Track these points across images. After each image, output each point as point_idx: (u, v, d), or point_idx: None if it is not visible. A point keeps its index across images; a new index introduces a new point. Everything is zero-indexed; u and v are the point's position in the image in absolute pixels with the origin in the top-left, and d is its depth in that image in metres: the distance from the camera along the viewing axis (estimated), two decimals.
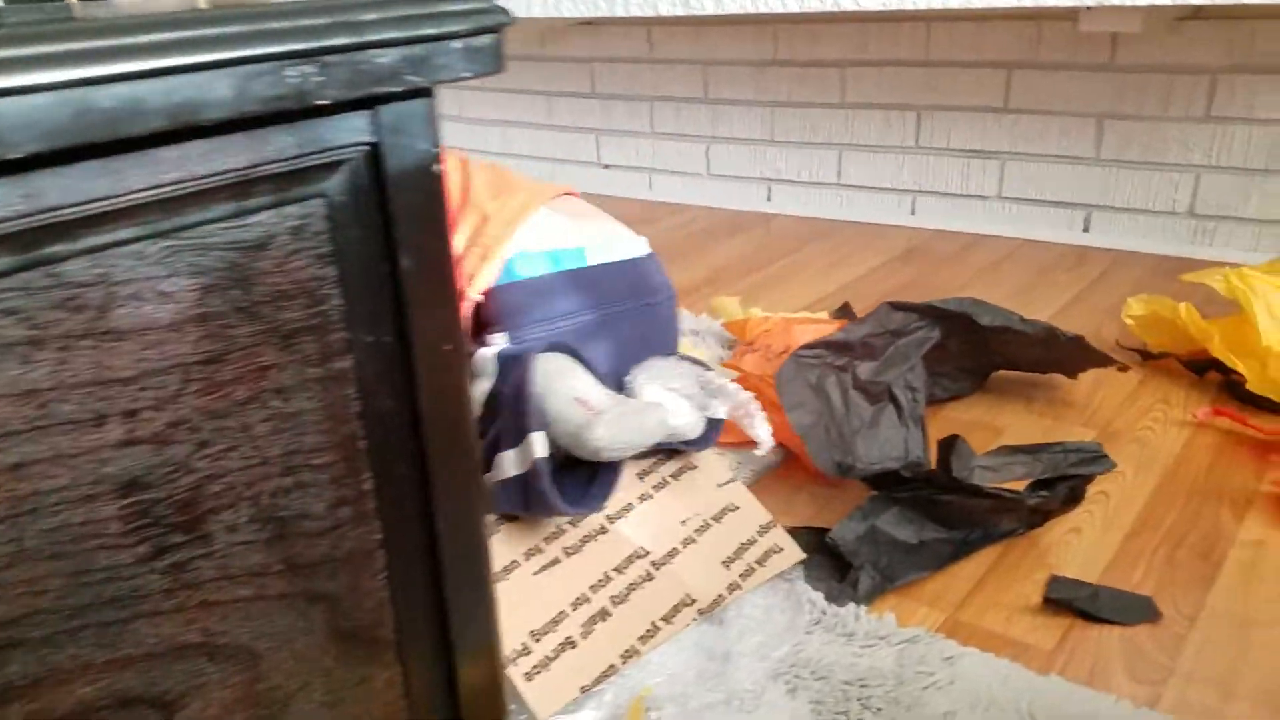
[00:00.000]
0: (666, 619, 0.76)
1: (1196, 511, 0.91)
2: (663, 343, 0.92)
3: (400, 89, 0.41)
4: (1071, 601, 0.79)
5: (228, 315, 0.41)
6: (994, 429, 1.07)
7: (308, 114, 0.40)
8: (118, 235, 0.36)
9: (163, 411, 0.40)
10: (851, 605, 0.78)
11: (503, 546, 0.74)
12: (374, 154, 0.43)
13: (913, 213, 1.85)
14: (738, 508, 0.87)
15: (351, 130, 0.42)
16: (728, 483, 0.89)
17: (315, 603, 0.48)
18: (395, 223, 0.44)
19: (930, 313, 1.02)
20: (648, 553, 0.80)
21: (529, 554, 0.75)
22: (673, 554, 0.81)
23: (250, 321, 0.42)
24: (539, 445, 0.73)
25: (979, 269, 1.59)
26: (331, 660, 0.50)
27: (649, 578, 0.78)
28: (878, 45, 1.79)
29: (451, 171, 0.89)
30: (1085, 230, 1.67)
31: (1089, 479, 0.84)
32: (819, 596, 0.79)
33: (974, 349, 1.09)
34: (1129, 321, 1.17)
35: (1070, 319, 1.37)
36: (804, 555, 0.85)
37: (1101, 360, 1.06)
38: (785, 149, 1.97)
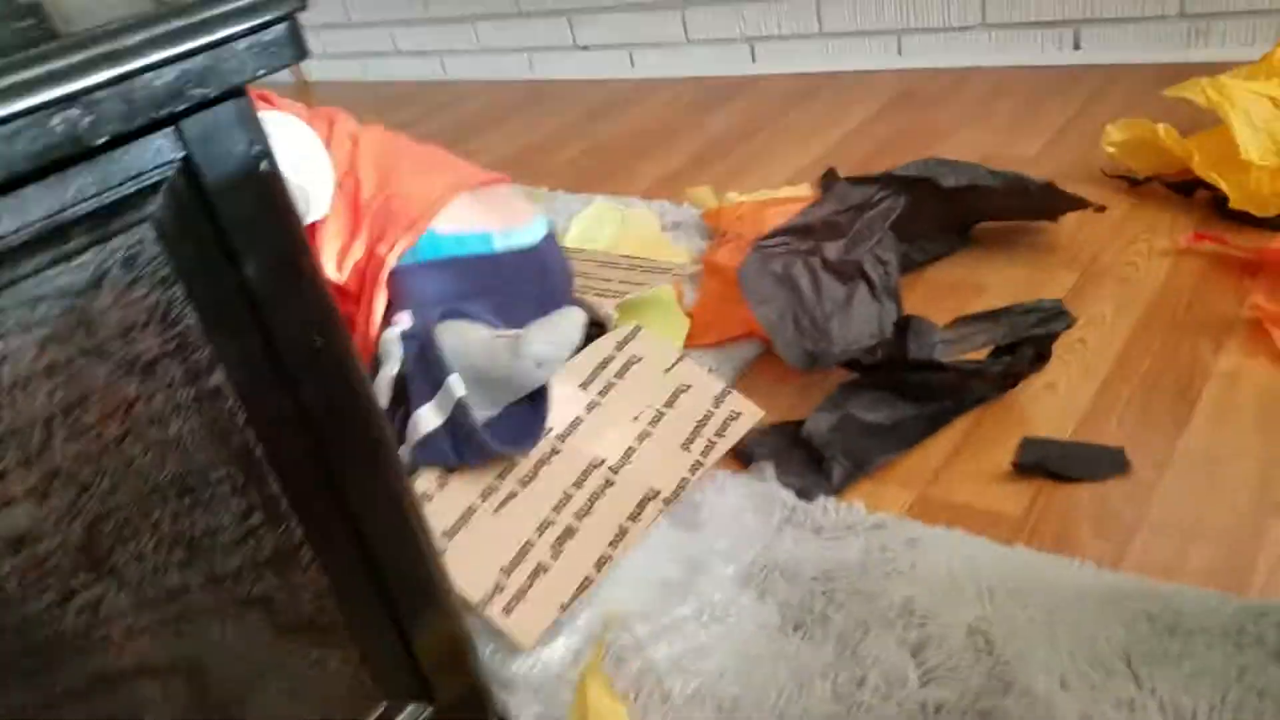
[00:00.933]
0: (633, 517, 0.77)
1: (1174, 348, 0.88)
2: None
3: (196, 101, 0.40)
4: (1042, 462, 0.78)
5: (76, 360, 0.41)
6: (975, 287, 1.05)
7: (101, 149, 0.39)
8: None
9: (33, 467, 0.41)
10: (821, 499, 0.79)
11: (457, 494, 0.76)
12: (188, 169, 0.42)
13: (899, 53, 1.76)
14: (689, 386, 0.87)
15: (157, 152, 0.41)
16: (675, 364, 0.89)
17: (249, 607, 0.50)
18: (228, 231, 0.43)
19: (891, 182, 0.99)
20: (604, 460, 0.81)
21: (485, 494, 0.77)
22: (629, 453, 0.82)
23: (102, 360, 0.42)
24: (457, 386, 0.74)
25: (969, 106, 1.52)
26: (283, 654, 0.52)
27: (609, 484, 0.79)
28: None
29: (340, 142, 0.88)
30: (1076, 48, 1.57)
31: (1053, 337, 0.82)
32: (790, 495, 0.79)
33: (947, 208, 1.06)
34: (1110, 149, 1.12)
35: (1062, 148, 1.31)
36: (762, 414, 0.85)
37: (1075, 203, 1.02)
38: (764, 3, 1.87)
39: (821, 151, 1.49)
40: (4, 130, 0.34)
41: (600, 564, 0.74)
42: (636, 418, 0.84)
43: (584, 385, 0.86)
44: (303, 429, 0.49)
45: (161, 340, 0.44)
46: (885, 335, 0.95)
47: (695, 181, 1.48)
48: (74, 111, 0.36)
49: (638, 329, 0.91)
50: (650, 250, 1.21)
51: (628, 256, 1.08)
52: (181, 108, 0.39)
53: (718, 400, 0.85)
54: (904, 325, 0.85)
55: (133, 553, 0.45)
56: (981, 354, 0.87)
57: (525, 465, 0.79)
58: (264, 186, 0.44)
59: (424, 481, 0.76)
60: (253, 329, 0.46)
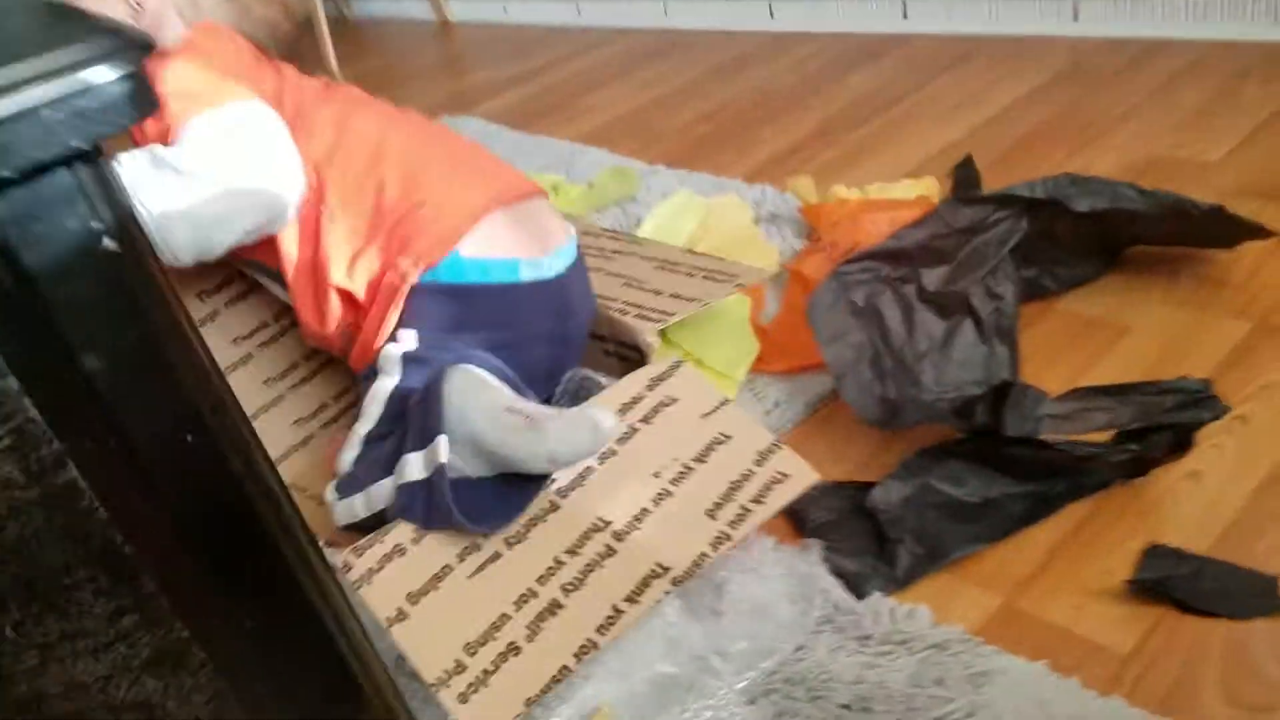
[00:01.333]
0: (631, 599, 0.64)
1: None
2: (571, 363, 0.82)
3: (31, 162, 0.32)
4: (1166, 583, 0.63)
5: None
6: (1117, 328, 0.87)
7: None
8: None
9: None
10: (876, 596, 0.66)
11: (433, 551, 0.66)
12: (6, 252, 0.34)
13: (1075, 18, 1.52)
14: (729, 438, 0.73)
15: None
16: (716, 409, 0.75)
17: (125, 711, 0.44)
18: (60, 320, 0.35)
19: (1009, 202, 0.82)
20: (609, 523, 0.68)
21: (464, 554, 0.67)
22: (641, 517, 0.69)
23: None
24: (443, 449, 0.65)
25: (1147, 89, 1.29)
26: None
27: (610, 552, 0.67)
28: None
29: (321, 130, 0.78)
30: None
31: (1196, 427, 0.65)
32: (837, 585, 0.67)
33: (1091, 229, 0.88)
34: None
35: (1256, 153, 1.08)
36: (816, 478, 0.71)
37: (1256, 231, 0.82)
38: None
39: (961, 134, 1.30)
40: None
41: (582, 653, 0.63)
42: (658, 474, 0.71)
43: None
44: (181, 525, 0.42)
45: None
46: (992, 381, 0.80)
47: (813, 159, 1.34)
48: None
49: (678, 364, 0.78)
50: (736, 247, 1.08)
51: (697, 254, 0.95)
52: None
53: (762, 457, 0.72)
54: (1003, 392, 0.70)
55: None
56: (1101, 435, 0.71)
57: (516, 522, 0.69)
58: (108, 267, 0.36)
59: (399, 534, 0.67)
60: (105, 426, 0.38)
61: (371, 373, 0.74)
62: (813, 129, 1.45)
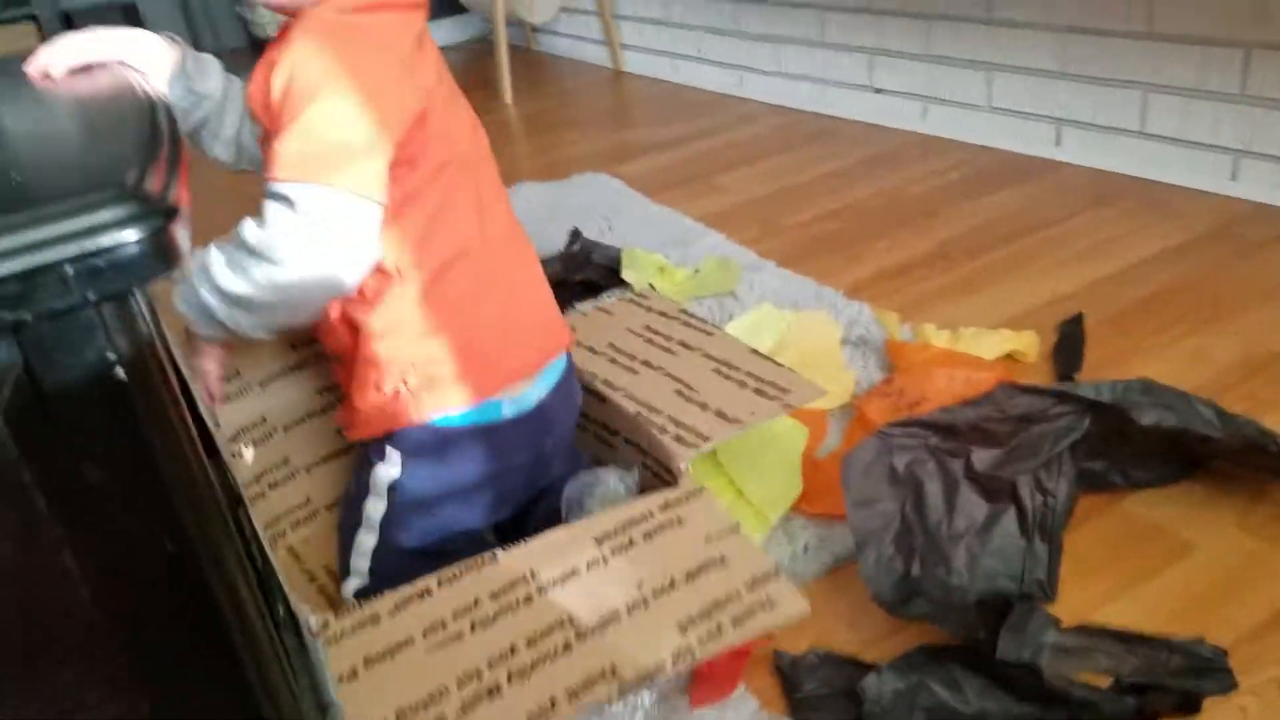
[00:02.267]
0: (572, 693, 0.64)
1: None
2: (552, 470, 0.83)
3: (49, 307, 0.37)
4: None
5: None
6: (1179, 545, 0.82)
7: None
8: None
9: None
10: None
11: (403, 623, 0.68)
12: (28, 371, 0.39)
13: (1233, 178, 1.45)
14: (725, 562, 0.72)
15: None
16: (723, 534, 0.74)
17: None
18: (69, 434, 0.40)
19: (1070, 399, 0.79)
20: (574, 621, 0.68)
21: (429, 630, 0.68)
22: (610, 620, 0.68)
23: None
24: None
25: None
26: None
27: (566, 648, 0.67)
28: None
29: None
30: None
31: (1199, 696, 0.61)
32: None
33: (1164, 436, 0.84)
34: None
35: None
36: (804, 609, 0.68)
37: None
38: (1078, 85, 1.62)
39: (1080, 285, 1.26)
40: None
41: None
42: (640, 584, 0.70)
43: (599, 539, 0.75)
44: (151, 614, 0.46)
45: (2, 523, 0.42)
46: (1027, 579, 0.78)
47: (921, 282, 1.32)
48: None
49: (698, 491, 0.78)
50: (814, 367, 1.07)
51: (760, 357, 0.92)
52: (13, 318, 0.36)
53: (754, 583, 0.70)
54: (1003, 610, 0.67)
55: None
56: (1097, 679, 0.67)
57: (488, 607, 0.70)
58: (116, 393, 0.40)
59: (380, 605, 0.70)
60: (99, 522, 0.43)
61: (366, 462, 0.78)
62: (931, 248, 1.43)
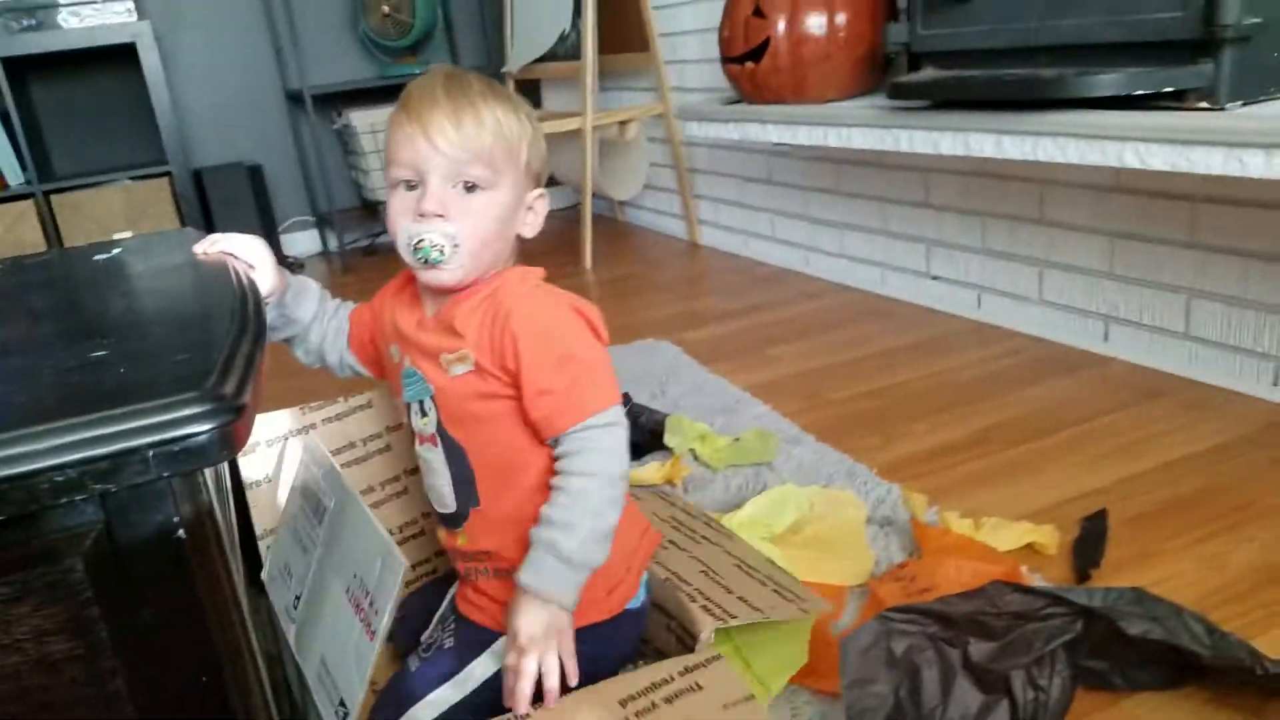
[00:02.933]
0: None
1: None
2: None
3: (131, 483, 0.47)
4: None
5: None
6: None
7: (37, 513, 0.47)
8: None
9: None
10: None
11: None
12: (108, 528, 0.49)
13: (1275, 383, 1.47)
14: None
15: (82, 514, 0.48)
16: (739, 702, 0.79)
17: None
18: (134, 580, 0.50)
19: (1058, 601, 0.83)
20: None
21: None
22: None
23: (10, 654, 0.50)
24: None
25: None
26: None
27: None
28: (1239, 182, 1.46)
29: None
30: None
31: None
32: None
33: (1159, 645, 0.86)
34: None
35: None
36: None
37: None
38: (1126, 286, 1.68)
39: (1117, 478, 1.28)
40: None
41: None
42: None
43: (623, 702, 0.81)
44: None
45: (71, 646, 0.51)
46: None
47: (955, 467, 1.36)
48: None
49: (716, 658, 0.84)
50: (836, 543, 1.13)
51: (775, 567, 0.99)
52: (101, 489, 0.46)
53: None
54: None
55: None
56: None
57: None
58: (173, 551, 0.50)
59: None
60: (149, 655, 0.52)
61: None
62: (970, 433, 1.47)
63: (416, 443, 0.89)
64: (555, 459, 0.80)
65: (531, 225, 0.88)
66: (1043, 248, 1.82)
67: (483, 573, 0.88)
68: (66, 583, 0.50)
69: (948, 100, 1.51)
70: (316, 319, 0.97)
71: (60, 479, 0.45)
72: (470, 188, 0.82)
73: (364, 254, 3.27)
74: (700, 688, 0.82)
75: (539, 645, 0.77)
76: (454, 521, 0.88)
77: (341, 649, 0.76)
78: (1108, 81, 1.22)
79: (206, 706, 0.54)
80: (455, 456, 0.85)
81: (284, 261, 3.13)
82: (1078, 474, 1.32)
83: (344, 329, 0.98)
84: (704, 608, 0.91)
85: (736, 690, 0.81)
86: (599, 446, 0.78)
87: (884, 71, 1.88)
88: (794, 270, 2.50)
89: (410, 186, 0.82)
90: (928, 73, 1.60)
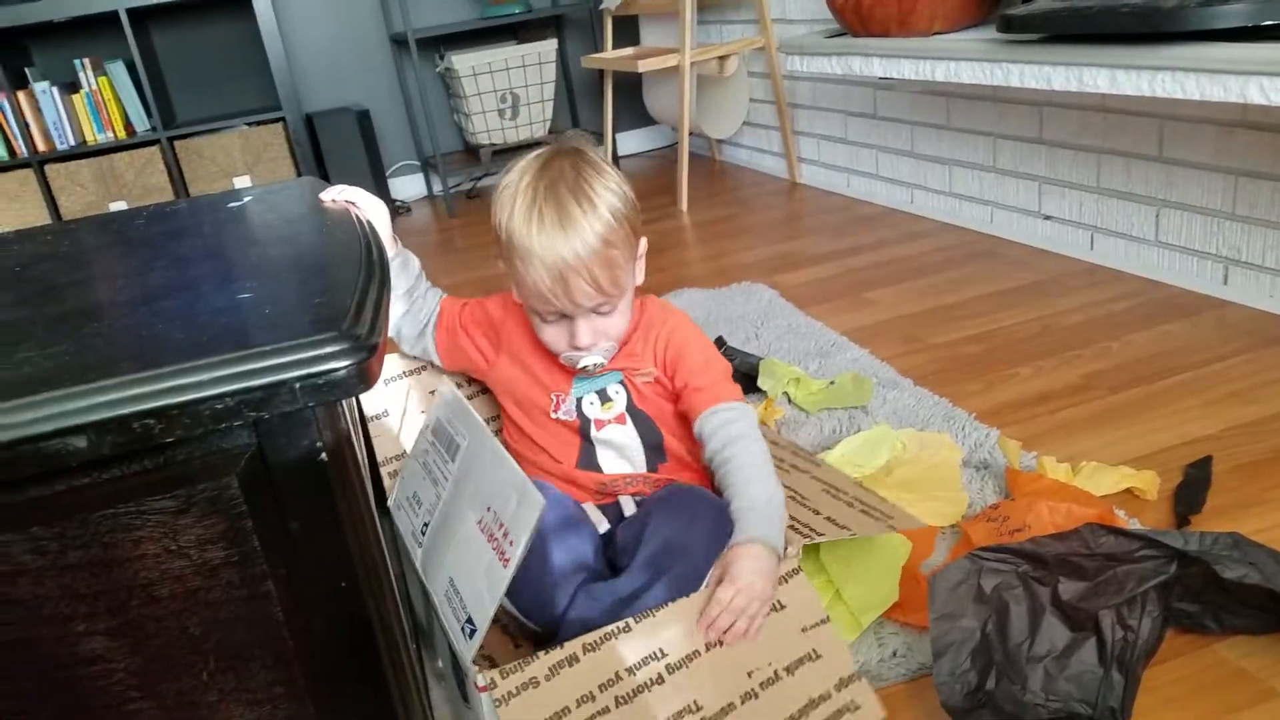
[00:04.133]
0: None
1: None
2: None
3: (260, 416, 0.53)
4: None
5: (160, 555, 0.57)
6: (1264, 689, 0.84)
7: (199, 435, 0.53)
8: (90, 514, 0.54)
9: (115, 616, 0.57)
10: None
11: (561, 689, 0.80)
12: (260, 451, 0.55)
13: None
14: (819, 656, 0.83)
15: (237, 438, 0.55)
16: (816, 625, 0.85)
17: None
18: (283, 496, 0.56)
19: (1152, 544, 0.83)
20: (700, 708, 0.80)
21: (581, 700, 0.81)
22: (727, 710, 0.80)
23: (179, 558, 0.57)
24: None
25: None
26: None
27: None
28: None
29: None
30: None
31: None
32: None
33: (1259, 590, 0.86)
34: None
35: None
36: (881, 716, 0.81)
37: None
38: (1249, 227, 1.61)
39: (1225, 425, 1.26)
40: (100, 428, 0.50)
41: None
42: (751, 674, 0.82)
43: None
44: (325, 637, 0.61)
45: (228, 553, 0.58)
46: (1099, 707, 0.82)
47: (1056, 413, 1.35)
48: (150, 421, 0.50)
49: (796, 571, 0.88)
50: (931, 484, 1.15)
51: (864, 489, 1.01)
52: (255, 416, 0.52)
53: (842, 683, 0.81)
54: None
55: (175, 685, 0.60)
56: None
57: (626, 683, 0.82)
58: (316, 471, 0.56)
59: (536, 669, 0.83)
60: (295, 563, 0.58)
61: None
62: (1075, 380, 1.45)
63: (582, 431, 1.03)
64: (703, 435, 0.98)
65: (642, 272, 1.02)
66: (1160, 186, 1.76)
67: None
68: (224, 498, 0.56)
69: (1061, 33, 1.46)
70: (409, 293, 1.08)
71: (220, 407, 0.51)
72: (601, 310, 0.96)
73: (467, 197, 3.35)
74: (782, 606, 0.86)
75: (757, 593, 0.84)
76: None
77: (471, 573, 0.82)
78: (1232, 12, 1.17)
79: (345, 608, 0.60)
80: (646, 427, 1.03)
81: (392, 206, 3.26)
82: (1185, 421, 1.29)
83: (432, 313, 1.10)
84: (791, 527, 0.94)
85: (813, 614, 0.86)
86: (745, 414, 0.98)
87: (994, 3, 1.82)
88: (898, 209, 2.46)
89: (549, 316, 0.97)
90: (1040, 4, 1.54)
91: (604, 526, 1.00)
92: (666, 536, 0.89)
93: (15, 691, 0.57)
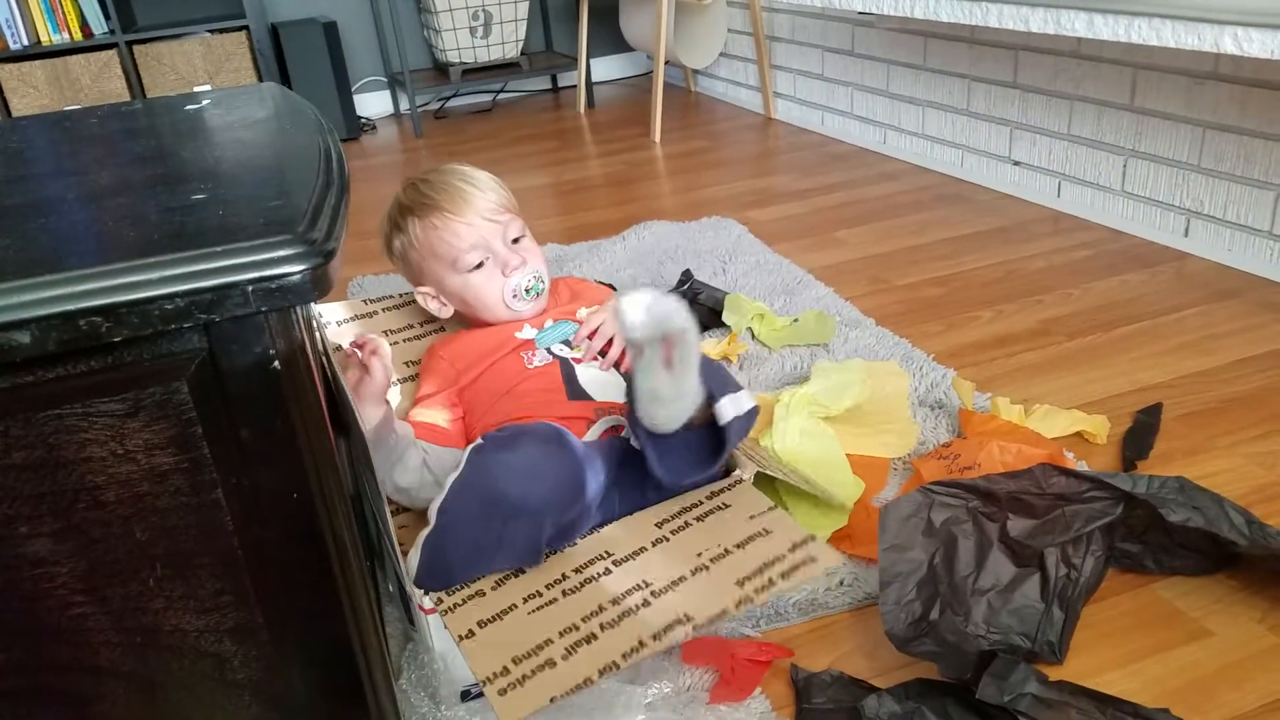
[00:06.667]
0: (656, 636, 0.78)
1: None
2: None
3: (209, 319, 0.52)
4: None
5: (107, 458, 0.56)
6: (1197, 629, 0.87)
7: (148, 337, 0.52)
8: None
9: (60, 519, 0.56)
10: None
11: (507, 594, 0.82)
12: (211, 356, 0.54)
13: None
14: (769, 533, 0.85)
15: (188, 342, 0.53)
16: (764, 513, 0.87)
17: (205, 657, 0.63)
18: (233, 403, 0.55)
19: (1101, 486, 0.85)
20: (649, 584, 0.82)
21: (529, 598, 0.82)
22: (678, 582, 0.82)
23: (127, 462, 0.56)
24: None
25: None
26: (226, 700, 0.65)
27: (645, 604, 0.81)
28: None
29: None
30: None
31: None
32: None
33: (1199, 533, 0.88)
34: None
35: None
36: (841, 562, 0.86)
37: None
38: (1213, 180, 1.62)
39: (1178, 374, 1.28)
40: (45, 324, 0.48)
41: (605, 670, 0.76)
42: (700, 554, 0.84)
43: (659, 524, 0.88)
44: (277, 549, 0.60)
45: (176, 459, 0.57)
46: (1038, 640, 0.84)
47: (1013, 357, 1.37)
48: (97, 319, 0.49)
49: (739, 480, 0.91)
50: (881, 415, 1.16)
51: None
52: (205, 318, 0.51)
53: (796, 545, 0.83)
54: (988, 658, 0.75)
55: (120, 591, 0.59)
56: None
57: (574, 580, 0.83)
58: (269, 379, 0.55)
59: (481, 583, 0.83)
60: (246, 472, 0.58)
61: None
62: (1034, 325, 1.47)
63: (564, 370, 1.07)
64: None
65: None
66: (1130, 136, 1.76)
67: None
68: (173, 402, 0.55)
69: None
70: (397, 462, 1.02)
71: (170, 307, 0.50)
72: (516, 240, 1.11)
73: (435, 117, 3.28)
74: (727, 506, 0.89)
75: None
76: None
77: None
78: None
79: (296, 519, 0.60)
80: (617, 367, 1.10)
81: (357, 122, 3.18)
82: (1138, 368, 1.31)
83: (410, 437, 1.04)
84: (745, 454, 0.96)
85: (760, 504, 0.89)
86: None
87: None
88: (870, 150, 2.45)
89: (478, 266, 1.09)
90: None
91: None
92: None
93: None
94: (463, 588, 0.83)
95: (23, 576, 0.57)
